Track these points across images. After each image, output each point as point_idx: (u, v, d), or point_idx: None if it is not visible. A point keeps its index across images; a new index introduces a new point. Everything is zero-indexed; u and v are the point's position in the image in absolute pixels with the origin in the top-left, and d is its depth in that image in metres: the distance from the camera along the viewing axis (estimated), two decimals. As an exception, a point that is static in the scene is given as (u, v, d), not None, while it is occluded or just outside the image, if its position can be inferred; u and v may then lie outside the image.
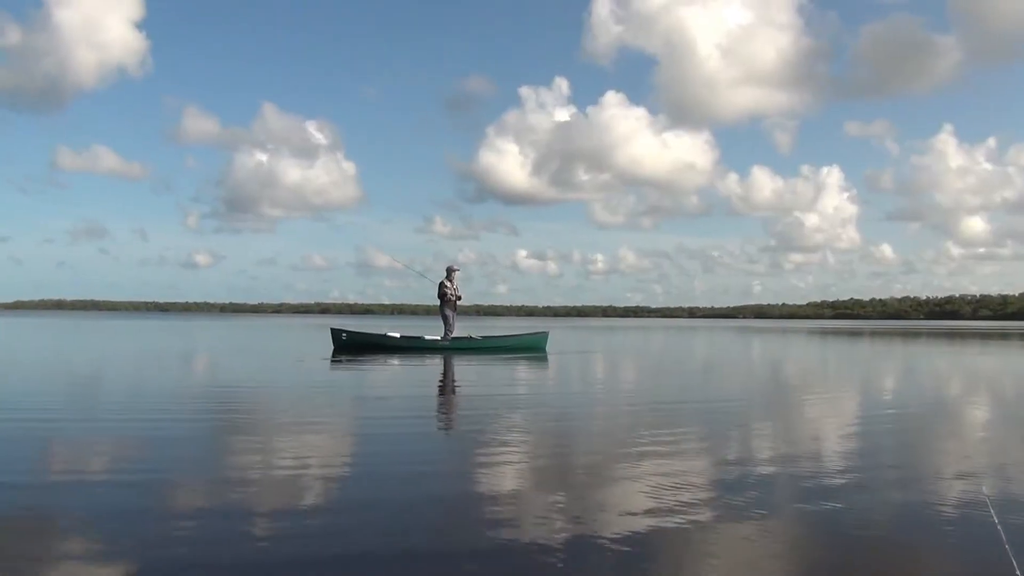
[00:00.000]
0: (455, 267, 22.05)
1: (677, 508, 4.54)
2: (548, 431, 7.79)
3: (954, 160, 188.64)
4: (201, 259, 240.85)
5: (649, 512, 4.45)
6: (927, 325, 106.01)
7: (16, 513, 4.43)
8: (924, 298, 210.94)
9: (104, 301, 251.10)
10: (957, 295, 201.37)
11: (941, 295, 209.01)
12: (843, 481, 5.36)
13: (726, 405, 10.06)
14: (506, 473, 5.66)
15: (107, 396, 10.76)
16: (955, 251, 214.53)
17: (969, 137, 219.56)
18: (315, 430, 7.73)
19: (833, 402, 10.78)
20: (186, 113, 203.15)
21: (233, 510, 4.48)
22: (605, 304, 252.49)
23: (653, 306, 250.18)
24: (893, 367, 19.41)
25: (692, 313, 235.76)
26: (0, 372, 14.59)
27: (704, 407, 9.77)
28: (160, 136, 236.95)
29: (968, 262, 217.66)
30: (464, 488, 5.17)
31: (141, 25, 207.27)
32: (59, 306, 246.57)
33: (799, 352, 26.53)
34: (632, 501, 4.73)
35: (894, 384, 14.52)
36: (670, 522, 4.25)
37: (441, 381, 13.32)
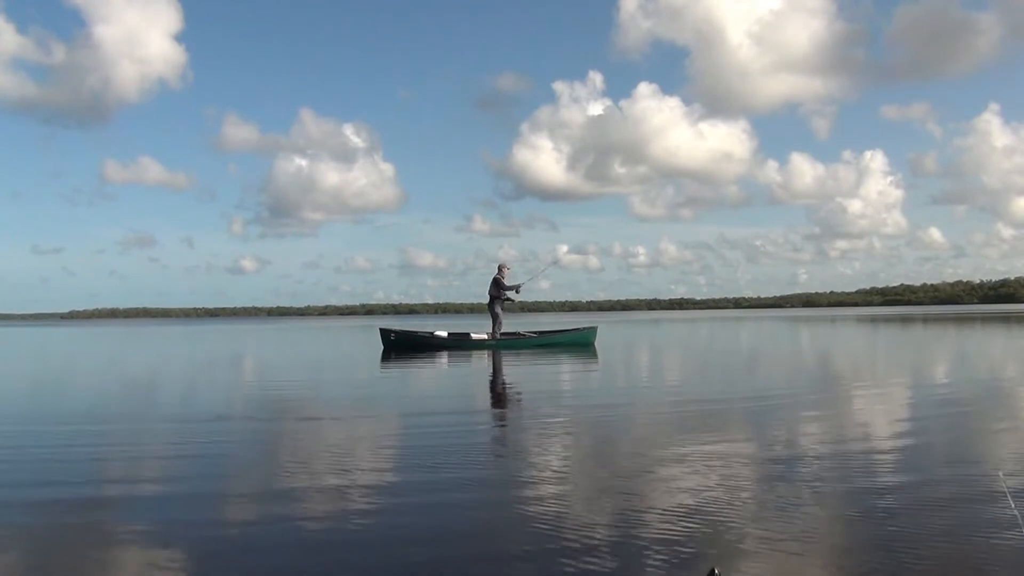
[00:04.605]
0: (506, 265, 22.09)
1: (740, 503, 4.59)
2: (608, 428, 7.86)
3: (1000, 140, 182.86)
4: (247, 264, 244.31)
5: (708, 512, 4.50)
6: (982, 309, 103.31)
7: (75, 517, 4.58)
8: (977, 282, 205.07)
9: (155, 308, 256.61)
10: (1012, 278, 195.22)
11: (995, 278, 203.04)
12: (892, 479, 5.35)
13: (779, 398, 10.00)
14: (563, 473, 5.74)
15: (165, 403, 11.08)
16: (1006, 233, 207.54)
17: (1016, 116, 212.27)
18: (379, 432, 7.88)
19: (884, 394, 10.65)
20: (226, 122, 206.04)
21: (295, 514, 4.61)
22: (649, 297, 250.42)
23: (698, 298, 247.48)
24: (947, 354, 19.02)
25: (738, 304, 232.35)
26: (86, 384, 15.08)
27: (758, 400, 9.71)
28: (202, 145, 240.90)
29: (1021, 244, 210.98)
30: (518, 491, 5.26)
31: (180, 38, 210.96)
32: (113, 315, 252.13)
33: (851, 341, 26.11)
34: (687, 499, 4.77)
35: (948, 372, 14.26)
36: (732, 518, 4.31)
37: (500, 380, 13.42)
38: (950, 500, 4.44)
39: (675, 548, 3.70)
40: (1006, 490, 3.00)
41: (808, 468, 5.41)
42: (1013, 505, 2.99)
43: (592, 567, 3.48)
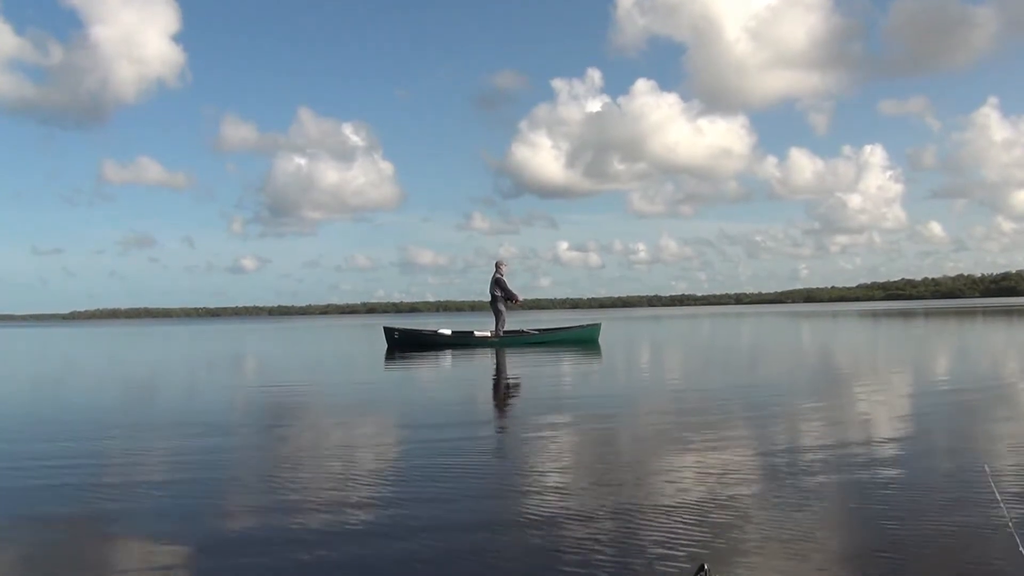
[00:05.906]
0: (504, 262, 22.13)
1: (742, 497, 4.69)
2: (610, 427, 7.96)
3: (999, 133, 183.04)
4: (247, 264, 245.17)
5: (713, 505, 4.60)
6: (984, 303, 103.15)
7: (83, 513, 4.68)
8: (979, 275, 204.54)
9: (156, 309, 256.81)
10: (1013, 271, 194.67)
11: (996, 272, 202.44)
12: (889, 480, 5.46)
13: (779, 396, 10.11)
14: (562, 472, 5.84)
15: (165, 408, 11.17)
16: (1006, 226, 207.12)
17: (1014, 109, 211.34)
18: (390, 434, 7.99)
19: (884, 392, 10.72)
20: (225, 121, 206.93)
21: (293, 512, 4.70)
22: (650, 294, 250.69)
23: (699, 294, 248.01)
24: (948, 349, 19.08)
25: (739, 300, 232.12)
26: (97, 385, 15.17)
27: (759, 397, 9.81)
28: (201, 145, 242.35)
29: (1021, 237, 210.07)
30: (516, 488, 5.34)
31: (178, 38, 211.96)
32: (113, 315, 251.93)
33: (853, 337, 26.16)
34: (686, 499, 4.87)
35: (949, 368, 14.33)
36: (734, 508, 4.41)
37: (504, 379, 13.48)
38: (947, 500, 4.48)
39: (671, 547, 3.78)
40: (996, 492, 3.08)
41: (806, 468, 5.47)
42: (999, 496, 3.09)
43: (584, 563, 3.57)
